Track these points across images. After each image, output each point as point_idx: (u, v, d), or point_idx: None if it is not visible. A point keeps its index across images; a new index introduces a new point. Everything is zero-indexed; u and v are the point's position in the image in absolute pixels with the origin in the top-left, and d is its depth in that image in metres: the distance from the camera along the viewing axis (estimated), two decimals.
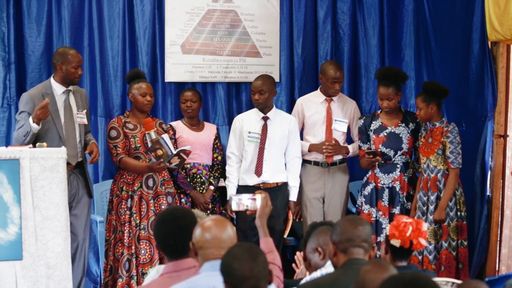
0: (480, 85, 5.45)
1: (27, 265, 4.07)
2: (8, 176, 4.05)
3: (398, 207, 5.00)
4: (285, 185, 5.16)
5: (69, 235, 4.24)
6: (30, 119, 4.44)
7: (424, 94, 4.90)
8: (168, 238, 2.83)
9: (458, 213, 4.92)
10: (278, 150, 5.12)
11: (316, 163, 5.27)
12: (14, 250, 4.06)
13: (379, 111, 5.19)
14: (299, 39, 5.90)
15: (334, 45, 5.94)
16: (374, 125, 5.11)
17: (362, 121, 5.18)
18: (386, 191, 5.03)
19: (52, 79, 4.70)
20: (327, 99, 5.29)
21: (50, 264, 4.13)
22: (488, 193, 5.40)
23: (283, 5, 5.87)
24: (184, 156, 4.76)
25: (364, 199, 5.09)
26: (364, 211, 5.06)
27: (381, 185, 5.05)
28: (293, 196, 5.17)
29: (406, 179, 5.05)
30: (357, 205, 5.22)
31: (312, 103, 5.33)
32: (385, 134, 5.07)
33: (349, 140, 5.43)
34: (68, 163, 4.58)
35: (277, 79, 5.88)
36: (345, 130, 5.30)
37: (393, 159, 5.05)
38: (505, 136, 5.36)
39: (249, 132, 5.10)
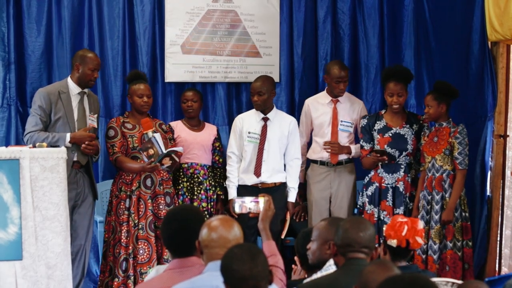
0: (480, 85, 5.45)
1: (27, 265, 4.08)
2: (8, 176, 4.05)
3: (401, 207, 5.01)
4: (283, 185, 5.16)
5: (69, 235, 4.24)
6: (68, 136, 4.53)
7: (435, 93, 4.89)
8: (174, 237, 2.85)
9: (463, 214, 4.93)
10: (277, 151, 5.12)
11: (322, 163, 5.27)
12: (14, 250, 4.06)
13: (382, 111, 5.19)
14: (299, 39, 5.90)
15: (334, 45, 5.93)
16: (379, 125, 5.12)
17: (366, 120, 5.18)
18: (390, 191, 5.04)
19: (69, 79, 4.76)
20: (333, 100, 5.29)
21: (50, 264, 4.14)
22: (488, 193, 5.40)
23: (283, 5, 5.86)
24: (176, 158, 4.75)
25: (367, 199, 5.10)
26: (368, 211, 5.08)
27: (385, 185, 5.05)
28: (291, 197, 5.17)
29: (409, 180, 5.06)
30: (358, 206, 5.22)
31: (319, 104, 5.33)
32: (390, 134, 5.07)
33: (357, 140, 5.40)
34: (77, 162, 4.62)
35: (277, 79, 5.88)
36: (351, 131, 5.30)
37: (397, 160, 5.05)
38: (505, 136, 5.36)
39: (249, 133, 5.11)
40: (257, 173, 5.07)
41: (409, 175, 5.07)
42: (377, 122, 5.13)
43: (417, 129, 5.09)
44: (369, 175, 5.14)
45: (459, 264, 4.90)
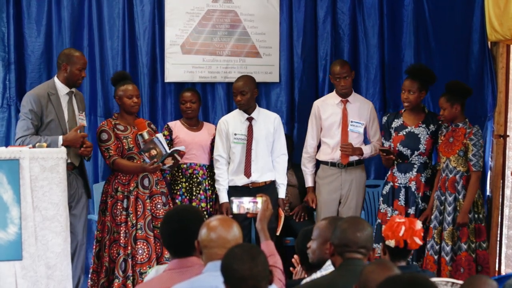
0: (480, 85, 5.45)
1: (27, 265, 4.08)
2: (8, 176, 4.06)
3: (413, 207, 5.01)
4: (273, 183, 5.17)
5: (69, 235, 4.25)
6: (60, 139, 4.46)
7: (448, 94, 4.87)
8: (174, 237, 2.85)
9: (476, 215, 4.91)
10: (264, 149, 5.13)
11: (333, 164, 5.27)
12: (14, 250, 4.07)
13: (403, 110, 5.18)
14: (299, 39, 5.90)
15: (334, 45, 5.93)
16: (396, 123, 5.12)
17: (386, 118, 5.20)
18: (403, 190, 5.03)
19: (55, 79, 4.70)
20: (342, 101, 5.28)
21: (50, 264, 4.14)
22: (488, 193, 5.40)
23: (283, 5, 5.87)
24: (178, 158, 4.76)
25: (382, 198, 5.13)
26: (382, 210, 5.10)
27: (398, 184, 5.05)
28: (281, 194, 5.18)
29: (423, 180, 5.03)
30: (379, 204, 5.24)
31: (328, 105, 5.31)
32: (404, 133, 5.06)
33: (366, 141, 5.40)
34: (70, 163, 4.60)
35: (277, 80, 5.89)
36: (362, 132, 5.29)
37: (410, 159, 5.04)
38: (505, 136, 5.37)
39: (235, 134, 5.10)
40: (248, 173, 5.08)
41: (423, 174, 5.03)
42: (395, 120, 5.13)
43: (434, 130, 5.05)
44: (387, 175, 5.17)
45: (473, 266, 4.87)
